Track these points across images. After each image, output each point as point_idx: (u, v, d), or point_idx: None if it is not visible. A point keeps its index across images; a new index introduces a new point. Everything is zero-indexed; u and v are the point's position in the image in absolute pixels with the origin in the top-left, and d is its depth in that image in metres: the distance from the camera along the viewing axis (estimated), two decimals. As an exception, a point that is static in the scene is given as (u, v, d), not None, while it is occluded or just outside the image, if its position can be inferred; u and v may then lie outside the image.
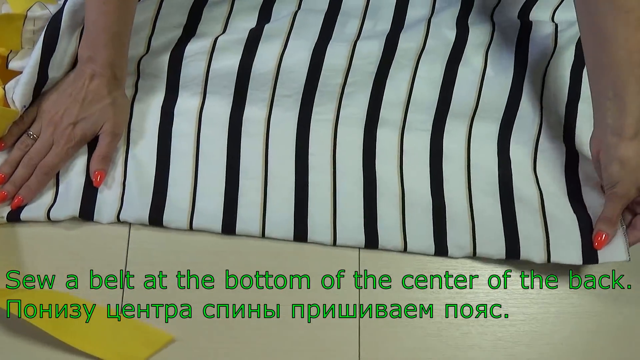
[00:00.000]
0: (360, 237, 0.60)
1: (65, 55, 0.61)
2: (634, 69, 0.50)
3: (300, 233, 0.60)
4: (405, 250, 0.60)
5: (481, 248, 0.60)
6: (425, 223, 0.61)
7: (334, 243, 0.60)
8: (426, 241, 0.60)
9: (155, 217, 0.60)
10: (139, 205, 0.60)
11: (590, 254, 0.58)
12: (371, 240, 0.60)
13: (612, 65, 0.51)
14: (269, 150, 0.63)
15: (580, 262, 0.58)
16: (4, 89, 0.60)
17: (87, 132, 0.60)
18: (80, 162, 0.62)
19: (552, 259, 0.58)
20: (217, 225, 0.60)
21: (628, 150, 0.52)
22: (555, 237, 0.59)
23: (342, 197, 0.62)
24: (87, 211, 0.60)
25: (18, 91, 0.59)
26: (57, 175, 0.62)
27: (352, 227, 0.61)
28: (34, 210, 0.60)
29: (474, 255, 0.60)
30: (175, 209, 0.61)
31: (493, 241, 0.60)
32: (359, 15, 0.68)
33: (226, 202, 0.61)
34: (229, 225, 0.60)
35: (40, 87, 0.60)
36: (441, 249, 0.60)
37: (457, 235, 0.60)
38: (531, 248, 0.59)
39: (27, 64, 0.62)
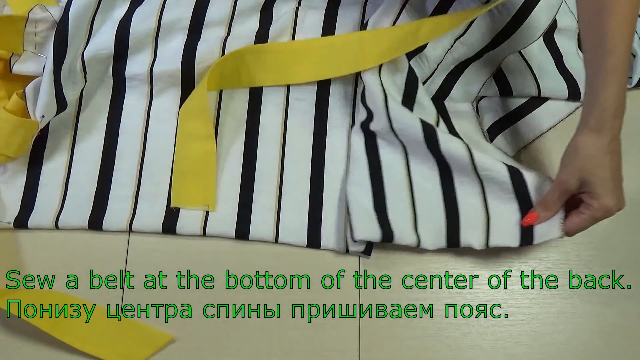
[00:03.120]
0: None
1: (75, 62, 0.62)
2: (609, 57, 0.48)
3: (314, 239, 0.61)
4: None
5: (424, 238, 0.58)
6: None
7: (347, 251, 0.60)
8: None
9: (169, 226, 0.60)
10: (152, 215, 0.61)
11: (526, 236, 0.56)
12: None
13: (592, 51, 0.50)
14: (285, 154, 0.63)
15: (517, 245, 0.56)
16: (22, 98, 0.60)
17: None
18: (91, 172, 0.62)
19: (490, 244, 0.57)
20: (231, 230, 0.60)
21: (584, 139, 0.50)
22: (495, 222, 0.58)
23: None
24: (96, 221, 0.61)
25: (39, 102, 0.59)
26: (67, 182, 0.62)
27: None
28: (41, 217, 0.61)
29: (418, 246, 0.58)
30: (189, 216, 0.61)
31: (434, 232, 0.59)
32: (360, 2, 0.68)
33: (240, 206, 0.61)
34: (242, 232, 0.60)
35: (59, 96, 0.60)
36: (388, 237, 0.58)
37: (401, 225, 0.58)
38: (470, 235, 0.58)
39: (30, 68, 0.63)
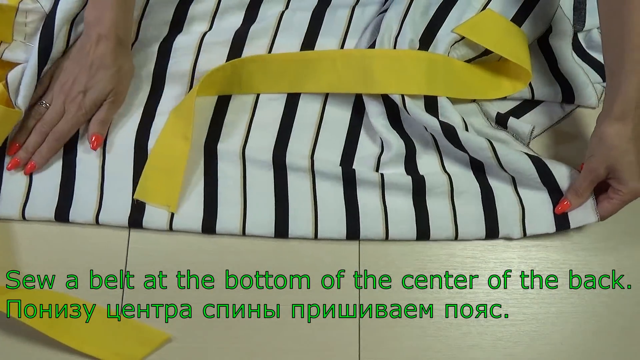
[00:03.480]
0: (341, 229, 0.60)
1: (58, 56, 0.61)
2: (633, 50, 0.50)
3: (282, 229, 0.60)
4: (387, 238, 0.60)
5: (463, 229, 0.61)
6: (407, 208, 0.60)
7: (316, 236, 0.60)
8: (408, 226, 0.60)
9: (135, 219, 0.60)
10: (118, 208, 0.60)
11: (561, 222, 0.60)
12: (353, 231, 0.60)
13: (615, 43, 0.52)
14: (245, 152, 0.63)
15: (554, 230, 0.60)
16: (5, 87, 0.59)
17: (95, 100, 0.59)
18: (54, 162, 0.62)
19: (528, 232, 0.60)
20: (197, 225, 0.60)
21: (609, 128, 0.53)
22: (529, 211, 0.61)
23: (322, 192, 0.61)
24: (62, 212, 0.60)
25: (20, 93, 0.58)
26: (31, 174, 0.61)
27: (334, 219, 0.61)
28: (7, 208, 0.60)
29: (455, 239, 0.61)
30: (156, 210, 0.60)
31: (473, 223, 0.61)
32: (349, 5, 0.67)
33: (206, 201, 0.61)
34: (209, 226, 0.60)
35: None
36: (424, 233, 0.60)
37: (440, 219, 0.60)
38: (508, 225, 0.61)
39: (19, 56, 0.62)
